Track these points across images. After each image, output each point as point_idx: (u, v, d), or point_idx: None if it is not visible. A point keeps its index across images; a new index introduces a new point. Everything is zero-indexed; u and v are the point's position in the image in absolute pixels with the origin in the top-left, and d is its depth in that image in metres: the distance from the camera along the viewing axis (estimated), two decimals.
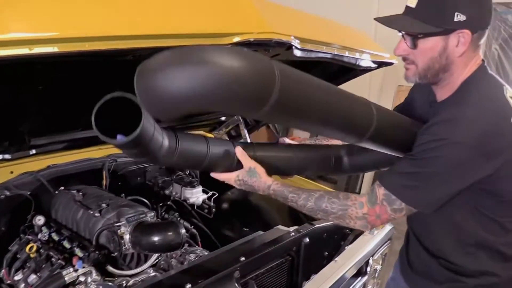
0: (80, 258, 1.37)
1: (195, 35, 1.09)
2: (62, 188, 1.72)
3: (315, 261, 1.70)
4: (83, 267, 1.34)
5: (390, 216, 1.19)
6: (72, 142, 1.82)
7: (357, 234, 1.88)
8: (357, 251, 1.77)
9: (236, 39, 1.14)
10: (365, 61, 1.78)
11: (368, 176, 4.94)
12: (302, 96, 0.92)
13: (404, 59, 1.26)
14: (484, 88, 1.21)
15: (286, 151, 1.47)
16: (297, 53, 1.35)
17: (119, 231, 1.39)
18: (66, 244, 1.45)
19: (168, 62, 0.78)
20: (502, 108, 1.16)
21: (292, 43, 1.30)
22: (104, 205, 1.55)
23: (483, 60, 1.25)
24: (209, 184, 2.06)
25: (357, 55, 1.72)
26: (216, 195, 2.06)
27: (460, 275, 1.32)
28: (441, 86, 1.27)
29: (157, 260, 1.56)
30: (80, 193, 1.67)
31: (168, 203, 2.00)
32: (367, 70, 1.91)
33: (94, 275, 1.33)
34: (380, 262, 1.96)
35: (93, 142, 1.90)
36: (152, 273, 1.49)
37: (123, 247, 1.39)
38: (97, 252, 1.38)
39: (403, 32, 1.21)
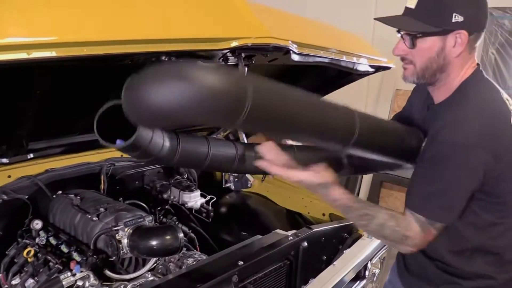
0: (78, 263, 1.37)
1: (193, 39, 1.09)
2: (60, 192, 1.72)
3: (314, 265, 1.70)
4: (81, 272, 1.33)
5: (435, 236, 1.21)
6: (70, 146, 1.82)
7: (355, 238, 1.89)
8: (355, 255, 1.77)
9: (234, 43, 1.14)
10: (363, 66, 1.79)
11: (366, 178, 4.95)
12: (276, 108, 0.95)
13: (403, 59, 1.28)
14: (482, 90, 1.25)
15: (289, 153, 1.40)
16: (295, 57, 1.36)
17: (117, 235, 1.39)
18: (64, 249, 1.44)
19: (148, 79, 0.82)
20: (502, 110, 1.20)
21: (290, 48, 1.30)
22: (102, 209, 1.55)
23: (478, 64, 1.28)
24: (207, 188, 2.07)
25: (354, 59, 1.72)
26: (214, 199, 2.06)
27: (456, 277, 1.33)
28: (438, 87, 1.29)
29: (155, 264, 1.56)
30: (78, 197, 1.66)
31: (166, 207, 2.00)
32: (364, 74, 1.91)
33: (92, 280, 1.33)
34: (379, 266, 1.96)
35: (91, 146, 1.90)
36: (150, 277, 1.49)
37: (121, 251, 1.39)
38: (95, 256, 1.38)
39: (402, 32, 1.23)
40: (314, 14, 2.41)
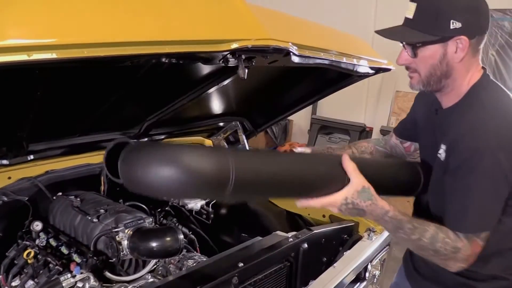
0: (78, 264, 1.37)
1: (194, 41, 1.09)
2: (60, 193, 1.72)
3: (314, 267, 1.70)
4: (81, 273, 1.33)
5: (482, 246, 1.21)
6: (70, 147, 1.82)
7: (356, 239, 1.89)
8: (355, 257, 1.76)
9: (234, 45, 1.14)
10: (363, 67, 1.79)
11: None
12: (257, 178, 1.01)
13: (407, 68, 1.29)
14: (494, 93, 1.26)
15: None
16: (295, 59, 1.36)
17: (117, 236, 1.39)
18: (64, 250, 1.44)
19: (140, 163, 0.90)
20: None
21: (290, 50, 1.30)
22: (102, 210, 1.55)
23: (484, 68, 1.29)
24: None
25: (354, 61, 1.73)
26: (214, 200, 2.06)
27: (471, 279, 1.33)
28: (446, 93, 1.30)
29: (155, 266, 1.56)
30: (78, 199, 1.66)
31: (166, 208, 2.00)
32: (364, 76, 1.91)
33: (92, 281, 1.32)
34: (379, 267, 1.96)
35: (91, 147, 1.90)
36: (150, 279, 1.49)
37: (121, 253, 1.39)
38: (95, 258, 1.38)
39: (404, 42, 1.25)
40: (314, 16, 2.41)
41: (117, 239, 1.39)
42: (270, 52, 1.25)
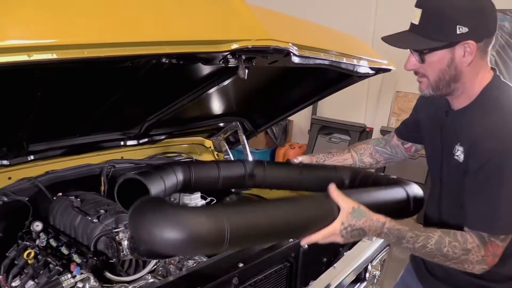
0: (78, 265, 1.37)
1: (194, 42, 1.09)
2: (60, 194, 1.72)
3: (314, 267, 1.70)
4: (81, 274, 1.33)
5: (503, 247, 1.21)
6: (70, 148, 1.82)
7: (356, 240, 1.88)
8: (356, 257, 1.77)
9: (235, 46, 1.14)
10: (363, 68, 1.79)
11: None
12: (251, 234, 1.09)
13: (416, 72, 1.29)
14: (508, 93, 1.26)
15: (296, 172, 1.62)
16: (295, 59, 1.36)
17: (117, 237, 1.39)
18: (64, 250, 1.44)
19: (146, 223, 1.01)
20: None
21: (290, 50, 1.30)
22: (102, 211, 1.55)
23: (493, 68, 1.29)
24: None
25: (354, 61, 1.72)
26: (215, 201, 2.05)
27: (486, 280, 1.33)
28: (456, 96, 1.30)
29: (155, 266, 1.55)
30: (78, 199, 1.66)
31: None
32: (365, 76, 1.91)
33: (92, 282, 1.32)
34: (379, 268, 1.96)
35: (91, 148, 1.90)
36: (150, 279, 1.48)
37: (121, 253, 1.39)
38: (95, 258, 1.38)
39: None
40: (315, 16, 2.41)
41: (117, 239, 1.39)
42: (270, 52, 1.25)
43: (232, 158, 2.38)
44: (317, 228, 1.17)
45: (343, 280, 1.66)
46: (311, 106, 4.98)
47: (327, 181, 1.53)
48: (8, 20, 0.82)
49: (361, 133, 4.98)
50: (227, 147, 2.41)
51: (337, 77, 1.98)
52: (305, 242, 1.20)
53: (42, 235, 1.51)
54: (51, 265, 1.40)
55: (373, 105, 5.18)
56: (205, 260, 1.61)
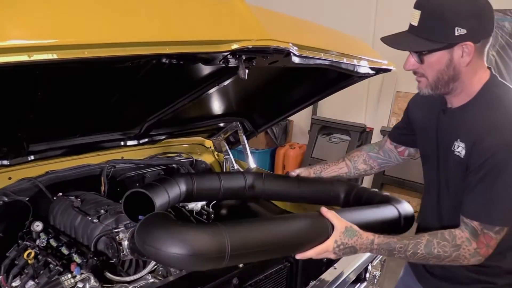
0: (78, 265, 1.37)
1: (194, 42, 1.09)
2: (61, 194, 1.72)
3: (314, 267, 1.70)
4: (81, 274, 1.33)
5: (497, 239, 1.24)
6: (70, 148, 1.82)
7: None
8: (356, 257, 1.76)
9: (235, 46, 1.14)
10: (363, 68, 1.79)
11: (367, 180, 4.95)
12: (250, 250, 1.16)
13: (415, 72, 1.31)
14: (507, 90, 1.29)
15: (294, 185, 1.72)
16: (295, 60, 1.36)
17: (117, 237, 1.39)
18: (64, 251, 1.44)
19: (154, 240, 1.09)
20: None
21: (290, 50, 1.30)
22: (102, 211, 1.55)
23: (489, 68, 1.31)
24: None
25: (355, 61, 1.72)
26: (215, 201, 2.06)
27: (487, 275, 1.35)
28: (455, 94, 1.32)
29: (155, 266, 1.56)
30: (79, 199, 1.67)
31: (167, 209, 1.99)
32: (365, 76, 1.91)
33: (92, 282, 1.32)
34: (379, 268, 1.96)
35: (91, 148, 1.90)
36: (150, 279, 1.49)
37: (122, 253, 1.39)
38: (95, 258, 1.38)
39: None
40: (315, 17, 2.41)
41: (118, 239, 1.39)
42: (270, 52, 1.25)
43: (232, 158, 2.38)
44: (312, 245, 1.25)
45: (344, 280, 1.66)
46: (311, 106, 4.98)
47: (323, 195, 1.73)
48: (8, 21, 0.82)
49: (361, 133, 4.98)
50: (227, 147, 2.41)
51: (337, 77, 1.98)
52: (299, 257, 1.26)
53: (42, 235, 1.51)
54: (51, 265, 1.40)
55: (373, 105, 5.18)
56: None
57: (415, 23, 1.22)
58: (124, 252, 1.39)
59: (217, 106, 2.23)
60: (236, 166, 2.35)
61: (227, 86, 1.85)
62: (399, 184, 4.57)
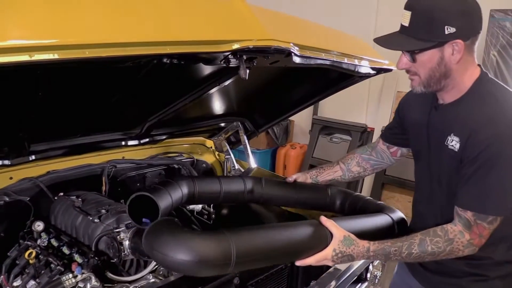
0: (79, 264, 1.37)
1: (195, 42, 1.09)
2: (62, 194, 1.72)
3: (315, 267, 1.69)
4: (82, 273, 1.33)
5: (490, 229, 1.28)
6: (71, 148, 1.82)
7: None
8: None
9: (236, 46, 1.14)
10: (364, 68, 1.79)
11: (368, 180, 4.94)
12: (255, 253, 1.21)
13: (408, 71, 1.35)
14: (498, 86, 1.34)
15: (291, 190, 1.78)
16: (296, 60, 1.36)
17: (118, 237, 1.39)
18: (65, 250, 1.44)
19: (162, 246, 1.13)
20: None
21: (291, 50, 1.30)
22: (103, 211, 1.55)
23: (479, 65, 1.35)
24: None
25: (356, 61, 1.72)
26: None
27: (479, 268, 1.39)
28: (447, 91, 1.35)
29: (156, 266, 1.56)
30: (80, 199, 1.67)
31: None
32: (366, 76, 1.91)
33: (93, 281, 1.32)
34: (380, 268, 1.96)
35: (92, 148, 1.90)
36: (151, 279, 1.49)
37: (123, 253, 1.39)
38: (96, 258, 1.38)
39: None
40: (316, 17, 2.41)
41: (119, 239, 1.39)
42: (271, 52, 1.25)
43: (233, 158, 2.38)
44: (312, 252, 1.31)
45: (345, 281, 1.66)
46: (312, 106, 4.98)
47: (320, 201, 1.80)
48: (9, 21, 0.82)
49: (362, 133, 4.98)
50: (228, 147, 2.41)
51: (338, 77, 1.98)
52: (299, 264, 1.31)
53: (43, 235, 1.51)
54: (52, 265, 1.40)
55: (374, 105, 5.17)
56: None
57: (406, 24, 1.27)
58: (125, 252, 1.39)
59: (218, 106, 2.23)
60: (237, 166, 2.35)
61: (228, 86, 1.85)
62: (400, 184, 4.56)
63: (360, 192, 4.84)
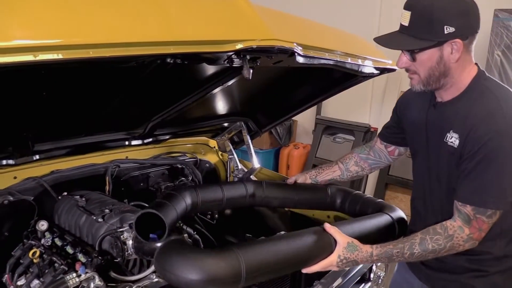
0: (83, 264, 1.37)
1: (199, 42, 1.09)
2: (65, 193, 1.73)
3: None
4: (86, 273, 1.33)
5: (490, 223, 1.29)
6: (75, 147, 1.83)
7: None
8: None
9: (239, 46, 1.14)
10: (368, 68, 1.79)
11: (371, 180, 4.94)
12: (264, 268, 1.24)
13: (407, 70, 1.38)
14: (496, 83, 1.36)
15: (292, 192, 1.81)
16: (300, 59, 1.36)
17: (122, 236, 1.40)
18: (69, 250, 1.45)
19: (176, 265, 1.17)
20: None
21: (295, 50, 1.30)
22: (107, 210, 1.55)
23: (476, 64, 1.37)
24: None
25: (359, 61, 1.72)
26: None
27: (478, 264, 1.40)
28: (446, 89, 1.37)
29: None
30: (83, 199, 1.67)
31: None
32: (369, 76, 1.91)
33: (97, 281, 1.33)
34: (384, 268, 1.95)
35: (96, 147, 1.91)
36: (155, 278, 1.49)
37: (126, 253, 1.39)
38: (100, 257, 1.38)
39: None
40: (319, 16, 2.41)
41: (122, 239, 1.39)
42: (275, 52, 1.25)
43: (237, 158, 2.38)
44: (318, 260, 1.34)
45: (348, 281, 1.65)
46: (315, 106, 4.96)
47: (321, 201, 1.84)
48: (14, 21, 0.83)
49: (366, 133, 4.96)
50: (231, 147, 2.41)
51: (341, 77, 1.98)
52: (306, 271, 1.34)
53: (47, 234, 1.51)
54: (56, 264, 1.40)
55: (378, 105, 5.16)
56: None
57: (406, 23, 1.28)
58: (129, 251, 1.40)
59: (221, 106, 2.24)
60: (240, 166, 2.35)
61: (231, 86, 1.85)
62: (403, 184, 4.55)
63: (364, 191, 4.83)
